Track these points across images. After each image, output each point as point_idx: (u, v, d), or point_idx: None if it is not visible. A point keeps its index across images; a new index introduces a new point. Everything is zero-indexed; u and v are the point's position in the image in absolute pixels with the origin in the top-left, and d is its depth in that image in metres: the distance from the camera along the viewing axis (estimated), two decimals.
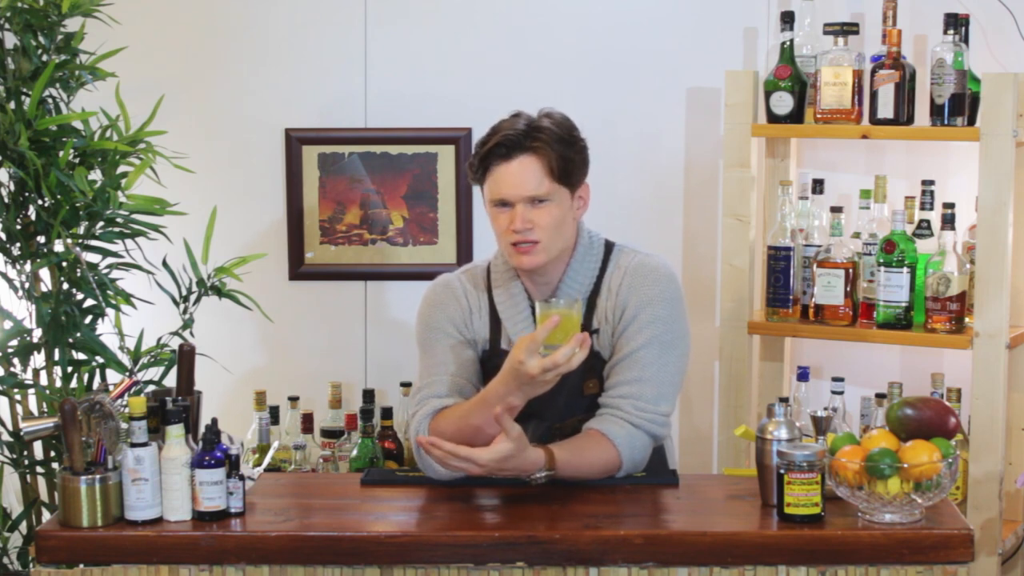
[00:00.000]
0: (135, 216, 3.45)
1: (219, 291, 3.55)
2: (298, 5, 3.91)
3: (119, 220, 3.42)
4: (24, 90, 3.39)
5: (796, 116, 3.55)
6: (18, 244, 3.41)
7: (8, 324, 3.43)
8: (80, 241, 3.39)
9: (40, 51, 3.42)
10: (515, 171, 2.71)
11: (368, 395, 3.67)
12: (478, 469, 2.57)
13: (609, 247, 2.87)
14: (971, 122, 3.41)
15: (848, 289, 3.50)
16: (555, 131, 2.74)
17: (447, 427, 2.71)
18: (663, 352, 2.78)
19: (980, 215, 3.35)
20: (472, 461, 2.56)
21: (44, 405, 3.41)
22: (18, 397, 3.50)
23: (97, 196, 3.35)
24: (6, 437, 3.51)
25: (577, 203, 2.81)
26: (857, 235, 3.56)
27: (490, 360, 2.82)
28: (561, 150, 2.73)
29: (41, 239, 3.44)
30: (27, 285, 3.43)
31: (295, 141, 3.91)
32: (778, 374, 3.78)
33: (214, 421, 2.57)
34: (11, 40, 3.44)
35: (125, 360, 3.43)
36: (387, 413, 3.61)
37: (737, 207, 3.59)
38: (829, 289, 3.51)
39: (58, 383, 3.44)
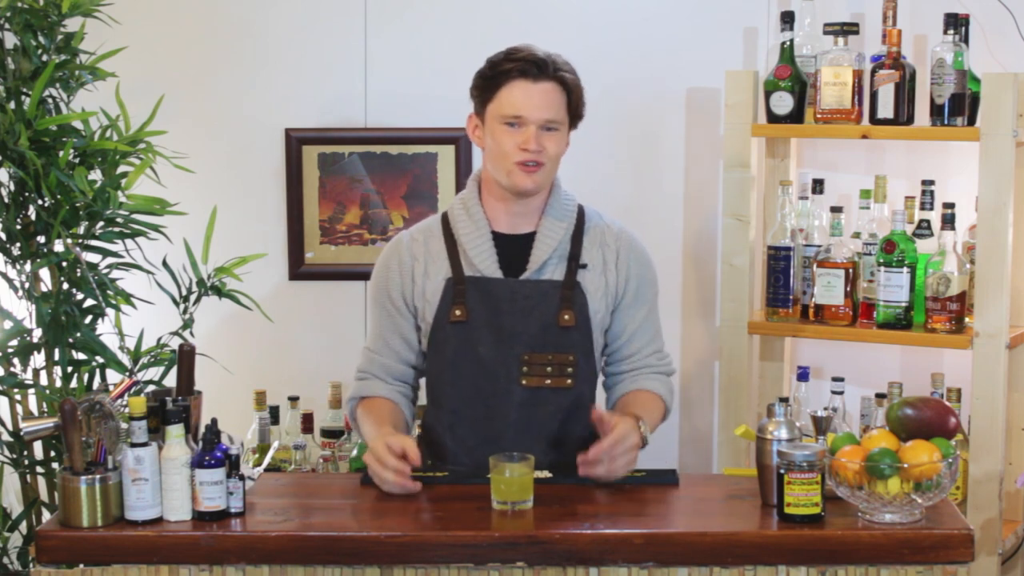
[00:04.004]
0: (135, 216, 3.45)
1: (219, 291, 3.55)
2: (298, 5, 3.91)
3: (119, 220, 3.42)
4: (24, 90, 3.39)
5: (796, 116, 3.55)
6: (18, 244, 3.41)
7: (8, 324, 3.43)
8: (80, 241, 3.39)
9: (40, 51, 3.42)
10: (540, 93, 2.80)
11: None
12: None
13: (579, 204, 2.99)
14: (971, 122, 3.41)
15: (848, 289, 3.50)
16: (571, 67, 2.87)
17: (360, 419, 2.92)
18: (656, 309, 3.01)
19: (980, 215, 3.35)
20: (628, 446, 2.72)
21: (44, 405, 3.41)
22: (18, 397, 3.50)
23: (97, 196, 3.35)
24: (6, 437, 3.51)
25: (567, 140, 2.90)
26: (857, 235, 3.56)
27: (455, 287, 2.87)
28: (577, 85, 2.86)
29: (41, 239, 3.44)
30: (27, 285, 3.43)
31: (295, 141, 3.91)
32: (778, 374, 3.78)
33: (214, 421, 2.57)
34: (11, 40, 3.44)
35: (125, 360, 3.43)
36: None
37: (737, 207, 3.59)
38: (829, 289, 3.51)
39: (58, 383, 3.44)
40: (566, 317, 2.85)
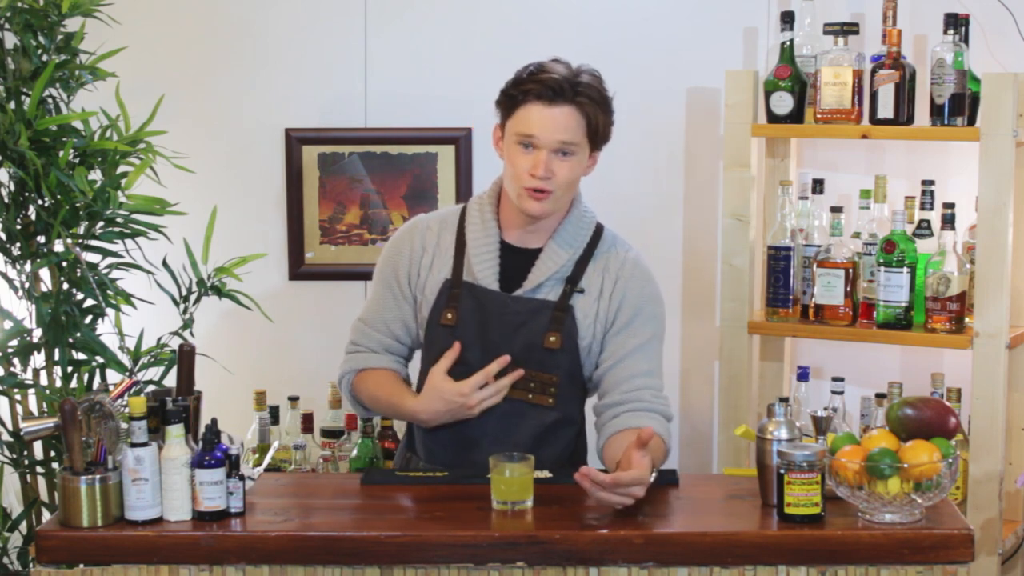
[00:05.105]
0: (135, 216, 3.45)
1: (219, 291, 3.55)
2: (298, 5, 3.91)
3: (119, 220, 3.42)
4: (24, 90, 3.39)
5: (796, 116, 3.55)
6: (18, 244, 3.41)
7: (8, 324, 3.43)
8: (80, 241, 3.39)
9: (40, 51, 3.42)
10: (555, 116, 2.74)
11: None
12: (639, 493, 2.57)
13: (599, 224, 2.93)
14: (971, 122, 3.41)
15: (848, 289, 3.50)
16: (596, 90, 2.79)
17: (363, 392, 2.95)
18: (659, 346, 2.90)
19: (980, 215, 3.35)
20: (634, 492, 2.55)
21: (44, 405, 3.41)
22: (18, 397, 3.50)
23: (97, 196, 3.35)
24: (6, 437, 3.51)
25: (588, 163, 2.85)
26: (857, 235, 3.56)
27: (451, 291, 2.86)
28: (599, 110, 2.79)
29: (41, 239, 3.44)
30: (27, 285, 3.43)
31: (295, 141, 3.91)
32: (778, 374, 3.78)
33: (214, 421, 2.57)
34: (11, 40, 3.44)
35: (125, 360, 3.43)
36: None
37: (737, 207, 3.59)
38: (829, 289, 3.51)
39: (58, 383, 3.44)
40: (552, 339, 2.82)
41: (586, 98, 2.75)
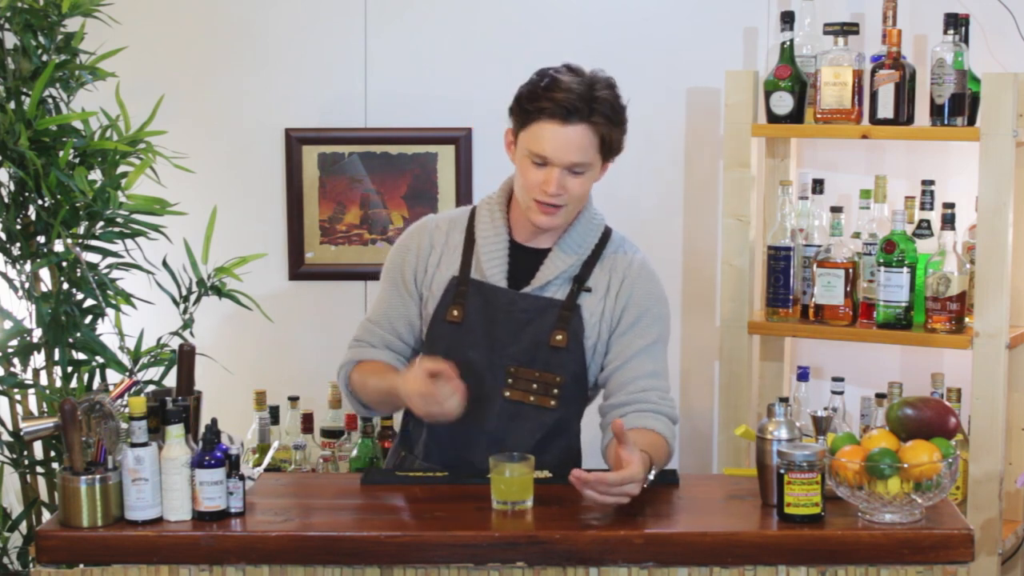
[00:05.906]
0: (135, 216, 3.45)
1: (219, 291, 3.55)
2: (298, 5, 3.91)
3: (119, 220, 3.42)
4: (24, 90, 3.39)
5: (796, 116, 3.55)
6: (18, 244, 3.41)
7: (8, 324, 3.43)
8: (80, 241, 3.39)
9: (40, 51, 3.42)
10: (568, 137, 2.72)
11: None
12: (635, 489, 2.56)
13: (607, 228, 2.93)
14: (971, 122, 3.41)
15: (848, 289, 3.50)
16: (611, 105, 2.76)
17: (358, 380, 2.92)
18: (664, 347, 2.89)
19: (980, 215, 3.35)
20: (627, 491, 2.54)
21: (44, 405, 3.41)
22: (18, 397, 3.50)
23: (97, 196, 3.35)
24: (6, 437, 3.51)
25: (601, 171, 2.85)
26: (857, 235, 3.56)
27: (458, 287, 2.86)
28: (613, 127, 2.77)
29: (41, 239, 3.44)
30: (27, 285, 3.43)
31: (295, 141, 3.91)
32: (778, 374, 3.78)
33: (214, 421, 2.57)
34: (11, 40, 3.44)
35: (125, 360, 3.43)
36: None
37: (737, 207, 3.59)
38: (829, 289, 3.51)
39: (58, 383, 3.44)
40: (558, 337, 2.82)
41: (601, 116, 2.73)
